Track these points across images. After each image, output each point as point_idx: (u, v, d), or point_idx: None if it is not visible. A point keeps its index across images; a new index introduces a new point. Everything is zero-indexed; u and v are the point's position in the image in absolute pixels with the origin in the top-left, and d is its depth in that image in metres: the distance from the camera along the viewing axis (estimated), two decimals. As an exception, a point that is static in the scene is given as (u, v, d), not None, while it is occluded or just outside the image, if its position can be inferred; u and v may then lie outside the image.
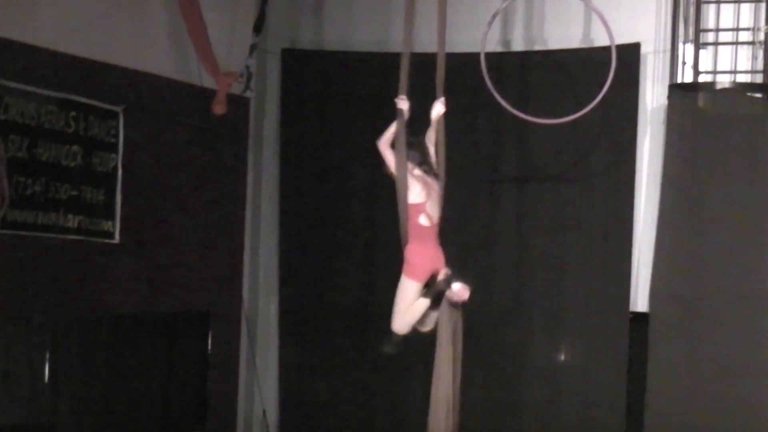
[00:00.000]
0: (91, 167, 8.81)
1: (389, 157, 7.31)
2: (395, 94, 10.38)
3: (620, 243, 10.01)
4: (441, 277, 7.34)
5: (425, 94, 9.91)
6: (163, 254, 9.67)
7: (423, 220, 7.31)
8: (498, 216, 10.35)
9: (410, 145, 7.38)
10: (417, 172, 7.36)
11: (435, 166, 7.46)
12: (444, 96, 7.61)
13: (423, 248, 7.31)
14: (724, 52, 9.77)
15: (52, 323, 8.76)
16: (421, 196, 7.30)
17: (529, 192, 10.35)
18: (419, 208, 7.30)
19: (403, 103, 7.38)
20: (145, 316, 9.66)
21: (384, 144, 7.32)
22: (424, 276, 7.35)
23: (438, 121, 7.53)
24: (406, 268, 7.34)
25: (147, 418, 9.81)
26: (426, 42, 9.79)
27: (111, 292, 9.14)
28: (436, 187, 7.40)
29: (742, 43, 9.72)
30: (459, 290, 7.31)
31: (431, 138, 7.56)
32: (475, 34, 9.12)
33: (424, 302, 7.37)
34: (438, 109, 7.55)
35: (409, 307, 7.40)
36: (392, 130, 7.32)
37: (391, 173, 7.32)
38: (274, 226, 11.01)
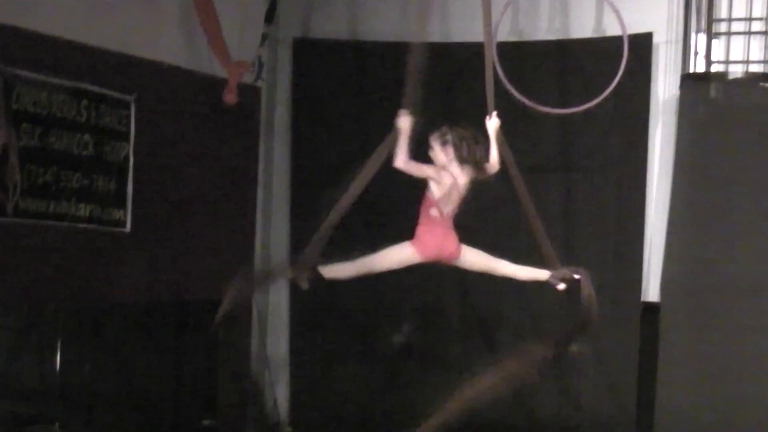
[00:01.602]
0: (102, 156, 8.82)
1: (414, 170, 7.21)
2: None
3: (632, 233, 10.00)
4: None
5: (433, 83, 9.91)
6: (174, 243, 9.68)
7: (434, 212, 7.32)
8: (508, 206, 10.33)
9: (462, 139, 7.27)
10: (451, 166, 7.25)
11: (479, 162, 7.33)
12: (495, 111, 7.62)
13: (431, 232, 7.33)
14: (737, 42, 9.75)
15: (63, 312, 8.77)
16: (438, 193, 7.28)
17: (540, 182, 10.33)
18: (432, 203, 7.30)
19: (404, 121, 7.23)
20: (155, 304, 9.67)
21: (406, 163, 7.18)
22: (427, 254, 7.36)
23: (497, 137, 7.54)
24: (414, 240, 7.36)
25: (158, 407, 9.83)
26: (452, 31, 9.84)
27: (122, 281, 9.15)
28: (459, 186, 7.29)
29: (755, 33, 9.70)
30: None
31: (492, 157, 7.52)
32: (487, 24, 9.11)
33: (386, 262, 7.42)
34: (494, 122, 7.57)
35: (377, 261, 7.41)
36: (403, 147, 7.17)
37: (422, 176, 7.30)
38: (285, 216, 11.02)
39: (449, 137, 7.28)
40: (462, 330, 10.42)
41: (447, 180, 7.28)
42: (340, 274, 7.49)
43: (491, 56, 7.75)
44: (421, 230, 7.36)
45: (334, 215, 7.39)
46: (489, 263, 7.64)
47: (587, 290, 7.49)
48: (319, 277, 7.38)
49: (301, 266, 7.29)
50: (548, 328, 10.27)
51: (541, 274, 7.63)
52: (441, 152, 7.27)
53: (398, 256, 7.41)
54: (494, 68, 7.75)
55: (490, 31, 7.83)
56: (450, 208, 7.35)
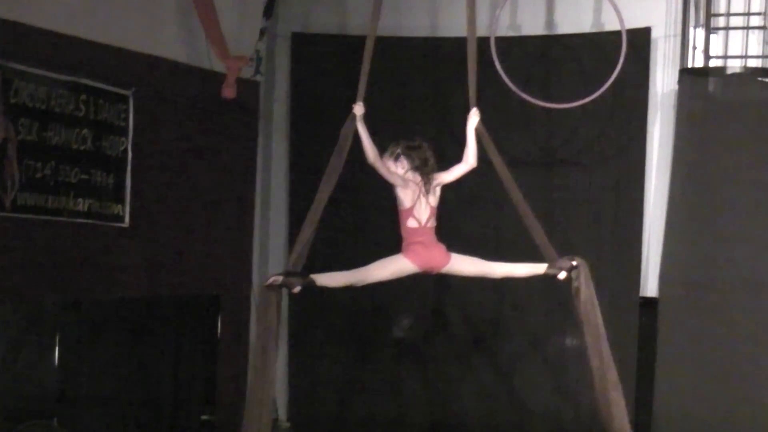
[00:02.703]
0: (101, 151, 8.81)
1: (382, 169, 7.51)
2: (405, 78, 10.49)
3: (630, 228, 10.01)
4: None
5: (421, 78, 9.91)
6: (172, 238, 9.67)
7: (411, 223, 7.56)
8: (507, 201, 10.34)
9: (410, 149, 7.58)
10: (409, 175, 7.56)
11: (434, 171, 7.62)
12: (477, 107, 7.82)
13: (417, 243, 7.55)
14: (735, 36, 9.75)
15: (62, 307, 8.77)
16: (408, 202, 7.55)
17: (538, 176, 10.34)
18: (407, 213, 7.55)
19: (358, 109, 7.70)
20: (154, 300, 9.67)
21: (375, 159, 7.50)
22: (420, 265, 7.56)
23: (478, 132, 7.76)
24: (406, 252, 7.57)
25: (156, 401, 9.83)
26: (442, 27, 9.84)
27: (120, 276, 9.14)
28: (425, 193, 7.58)
29: (753, 27, 9.70)
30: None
31: (468, 154, 7.74)
32: (486, 19, 9.12)
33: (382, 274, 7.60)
34: (473, 120, 7.78)
35: (370, 272, 7.57)
36: (366, 141, 7.54)
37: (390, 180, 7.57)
38: (284, 210, 11.02)
39: (399, 150, 7.59)
40: (460, 331, 10.43)
41: (412, 186, 7.54)
42: (332, 282, 7.64)
43: (474, 50, 7.87)
44: (407, 243, 7.56)
45: (312, 215, 7.53)
46: (482, 267, 7.81)
47: (584, 276, 7.61)
48: (311, 284, 7.49)
49: (291, 274, 7.45)
50: (544, 323, 10.31)
51: (539, 268, 7.74)
52: (396, 167, 7.57)
53: (392, 267, 7.59)
54: (476, 62, 7.88)
55: (474, 25, 7.93)
56: (426, 216, 7.57)
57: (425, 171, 7.57)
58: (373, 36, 7.89)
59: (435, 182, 7.61)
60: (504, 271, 7.86)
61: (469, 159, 7.75)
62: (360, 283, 7.63)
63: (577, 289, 7.64)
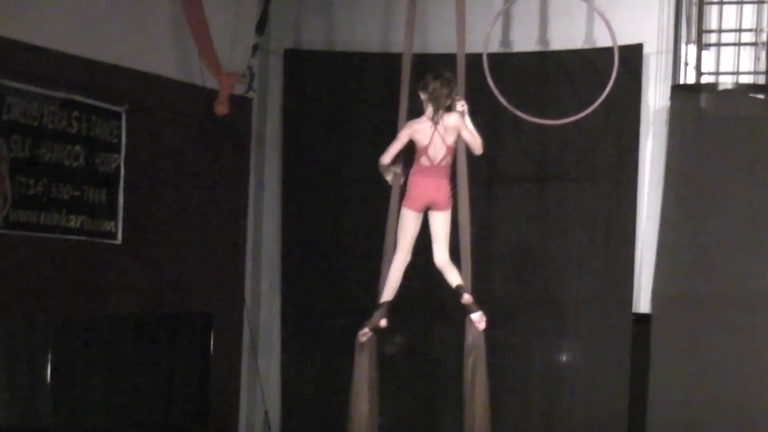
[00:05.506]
0: (93, 167, 8.81)
1: (392, 151, 8.05)
2: (398, 94, 10.49)
3: (623, 243, 10.01)
4: (463, 300, 8.09)
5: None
6: (165, 255, 9.67)
7: (424, 161, 7.99)
8: (500, 216, 10.35)
9: (434, 78, 8.01)
10: (429, 111, 7.99)
11: (443, 106, 8.03)
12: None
13: (421, 180, 7.98)
14: (727, 53, 9.77)
15: (54, 324, 8.75)
16: (423, 140, 7.97)
17: (531, 192, 10.35)
18: (421, 152, 8.00)
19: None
20: (147, 316, 9.65)
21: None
22: (419, 206, 8.00)
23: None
24: (404, 201, 8.08)
25: (149, 418, 9.80)
26: (431, 43, 9.87)
27: (113, 293, 9.14)
28: (440, 130, 7.97)
29: (745, 44, 9.73)
30: (476, 319, 8.10)
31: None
32: (477, 35, 9.13)
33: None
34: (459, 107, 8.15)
35: (406, 250, 8.09)
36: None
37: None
38: (277, 227, 11.01)
39: (428, 79, 8.05)
40: (456, 337, 10.40)
41: (426, 123, 7.97)
42: (394, 289, 8.26)
43: (462, 44, 8.36)
44: (411, 181, 8.04)
45: None
46: (442, 241, 8.12)
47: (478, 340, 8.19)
48: (388, 307, 8.27)
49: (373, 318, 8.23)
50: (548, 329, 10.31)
51: (454, 280, 8.15)
52: (422, 96, 8.05)
53: (406, 224, 8.05)
54: (464, 55, 8.32)
55: (464, 21, 8.39)
56: (440, 155, 7.99)
57: (436, 104, 7.98)
58: (410, 52, 8.39)
59: (446, 120, 7.98)
60: (442, 264, 8.14)
61: (470, 139, 8.13)
62: (406, 259, 8.14)
63: (471, 346, 8.16)
